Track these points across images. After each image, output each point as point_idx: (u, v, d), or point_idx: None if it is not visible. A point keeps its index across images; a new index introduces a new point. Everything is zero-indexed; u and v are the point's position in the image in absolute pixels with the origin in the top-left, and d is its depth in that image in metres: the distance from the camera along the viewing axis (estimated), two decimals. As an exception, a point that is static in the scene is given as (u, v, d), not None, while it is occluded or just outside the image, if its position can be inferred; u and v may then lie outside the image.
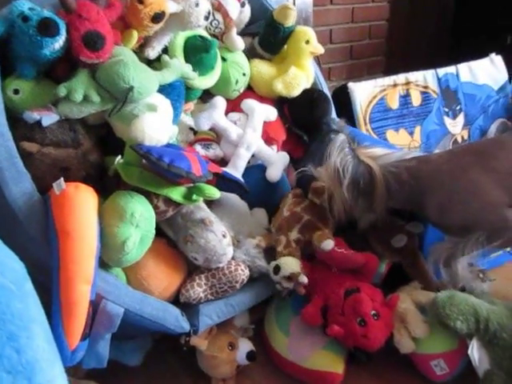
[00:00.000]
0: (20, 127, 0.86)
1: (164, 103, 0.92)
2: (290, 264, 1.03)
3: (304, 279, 1.01)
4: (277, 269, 1.03)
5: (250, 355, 1.04)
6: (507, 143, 0.97)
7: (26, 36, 0.80)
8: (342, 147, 0.98)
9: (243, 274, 0.98)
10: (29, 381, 0.41)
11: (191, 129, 1.24)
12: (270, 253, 1.10)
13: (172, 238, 0.99)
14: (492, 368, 0.91)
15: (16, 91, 0.86)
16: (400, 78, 1.55)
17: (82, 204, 0.77)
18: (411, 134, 1.54)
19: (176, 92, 1.04)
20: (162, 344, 1.12)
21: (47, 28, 0.79)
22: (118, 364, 1.03)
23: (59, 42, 0.82)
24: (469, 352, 0.92)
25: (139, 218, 0.82)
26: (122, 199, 0.83)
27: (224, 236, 0.97)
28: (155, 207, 0.89)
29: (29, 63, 0.85)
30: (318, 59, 2.18)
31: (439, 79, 1.62)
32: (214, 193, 0.92)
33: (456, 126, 1.65)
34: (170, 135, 0.91)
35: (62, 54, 0.85)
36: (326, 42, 2.26)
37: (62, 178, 0.79)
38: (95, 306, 0.81)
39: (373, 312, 0.97)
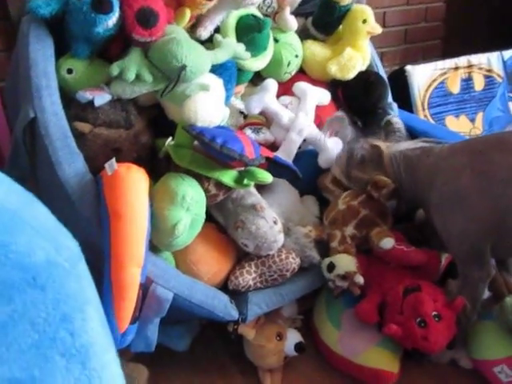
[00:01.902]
0: (73, 107, 0.85)
1: (216, 83, 0.89)
2: (346, 262, 0.98)
3: (360, 279, 0.95)
4: (331, 266, 0.97)
5: (299, 346, 1.00)
6: (508, 143, 0.89)
7: (80, 13, 0.79)
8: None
9: (294, 262, 0.95)
10: (83, 365, 0.40)
11: (241, 112, 1.21)
12: (321, 245, 1.05)
13: (222, 223, 0.97)
14: None
15: (70, 71, 0.86)
16: (462, 60, 1.46)
17: (133, 185, 0.76)
18: (472, 120, 1.45)
19: (228, 73, 1.01)
20: (210, 330, 1.10)
21: (101, 5, 0.78)
22: (165, 349, 1.02)
23: (112, 19, 0.80)
24: None
25: (190, 201, 0.80)
26: (173, 181, 0.81)
27: (275, 223, 0.94)
28: (206, 191, 0.87)
29: (83, 42, 0.84)
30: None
31: (505, 62, 1.51)
32: (267, 177, 0.89)
33: (522, 114, 1.53)
34: (222, 117, 0.88)
35: (115, 32, 0.84)
36: (379, 25, 2.16)
37: (113, 159, 0.78)
38: (145, 289, 0.79)
39: (434, 313, 0.90)
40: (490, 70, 1.48)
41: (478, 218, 0.88)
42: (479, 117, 1.46)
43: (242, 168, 0.90)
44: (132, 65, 0.82)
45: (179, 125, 0.85)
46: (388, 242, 0.97)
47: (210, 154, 0.82)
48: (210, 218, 0.97)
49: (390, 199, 1.05)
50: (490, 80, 1.48)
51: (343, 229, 1.03)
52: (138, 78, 0.83)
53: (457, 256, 0.96)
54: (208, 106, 0.82)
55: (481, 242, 0.90)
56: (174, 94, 0.86)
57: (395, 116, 1.06)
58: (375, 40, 2.15)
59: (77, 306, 0.39)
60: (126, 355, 1.02)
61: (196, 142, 0.86)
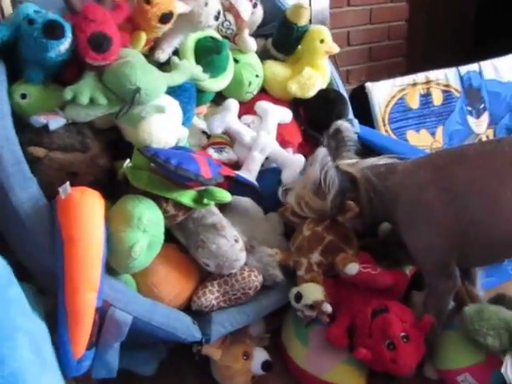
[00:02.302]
0: (27, 132, 0.85)
1: (172, 105, 0.90)
2: (313, 291, 0.97)
3: (328, 308, 0.95)
4: (298, 296, 0.97)
5: (266, 365, 1.00)
6: (467, 156, 0.91)
7: (31, 39, 0.79)
8: (324, 162, 0.97)
9: (257, 280, 0.95)
10: (12, 393, 0.38)
11: (204, 133, 1.22)
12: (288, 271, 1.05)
13: (184, 243, 0.96)
14: None
15: (23, 96, 0.85)
16: (420, 76, 1.50)
17: (87, 209, 0.75)
18: (433, 134, 1.49)
19: (187, 94, 1.02)
20: (177, 354, 1.08)
21: (52, 30, 0.78)
22: (131, 374, 1.00)
23: (65, 45, 0.80)
24: (502, 370, 0.84)
25: (147, 223, 0.79)
26: (130, 203, 0.81)
27: (236, 241, 0.94)
28: (165, 211, 0.87)
29: (36, 67, 0.84)
30: (335, 62, 2.14)
31: (461, 77, 1.56)
32: (226, 196, 0.89)
33: (480, 126, 1.58)
34: (178, 137, 0.89)
35: (68, 57, 0.84)
36: (343, 44, 2.21)
37: (67, 183, 0.77)
38: (102, 313, 0.78)
39: (403, 334, 0.90)
40: (447, 85, 1.53)
41: (442, 231, 0.90)
42: (439, 130, 1.50)
43: (202, 188, 0.90)
44: (86, 88, 0.82)
45: (135, 147, 0.85)
46: (352, 268, 0.97)
47: (166, 175, 0.82)
48: (171, 238, 0.97)
49: (354, 222, 1.05)
50: (448, 95, 1.53)
51: (309, 256, 1.03)
52: (93, 101, 0.83)
53: (423, 268, 0.98)
54: (163, 127, 0.82)
55: (446, 254, 0.92)
56: (130, 116, 0.87)
57: (344, 123, 1.08)
58: (341, 58, 2.21)
59: (3, 334, 0.39)
60: (91, 382, 1.00)
61: (152, 164, 0.86)
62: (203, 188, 0.90)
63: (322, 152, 0.98)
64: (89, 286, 0.73)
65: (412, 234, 0.95)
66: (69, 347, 0.71)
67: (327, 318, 0.96)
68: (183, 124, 1.02)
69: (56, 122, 0.84)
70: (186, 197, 0.87)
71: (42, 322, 0.64)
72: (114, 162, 0.95)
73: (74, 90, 0.82)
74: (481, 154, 0.90)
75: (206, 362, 1.01)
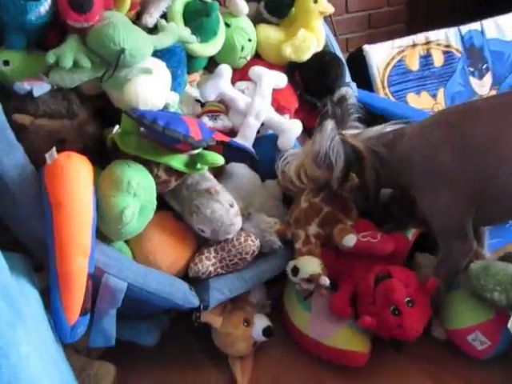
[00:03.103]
0: (12, 99, 0.83)
1: (159, 67, 0.87)
2: (310, 265, 0.95)
3: (325, 281, 0.93)
4: (295, 270, 0.95)
5: (267, 331, 0.98)
6: (481, 113, 0.87)
7: (10, 2, 0.77)
8: (332, 135, 0.94)
9: (253, 245, 0.93)
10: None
11: (198, 101, 1.19)
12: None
13: (178, 210, 0.95)
14: None
15: (6, 62, 0.83)
16: (419, 37, 1.46)
17: (74, 173, 0.74)
18: (434, 96, 1.45)
19: (176, 58, 0.99)
20: (179, 324, 1.08)
21: (30, -9, 0.75)
22: (134, 345, 1.00)
23: (44, 6, 0.78)
24: (508, 325, 0.83)
25: (137, 187, 0.78)
26: (119, 168, 0.79)
27: (231, 206, 0.92)
28: (156, 177, 0.85)
29: (17, 32, 0.82)
30: (334, 30, 2.09)
31: (462, 37, 1.51)
32: (218, 159, 0.87)
33: (483, 87, 1.54)
34: (167, 100, 0.86)
35: (49, 20, 0.82)
36: (341, 11, 2.15)
37: (54, 148, 0.76)
38: (96, 280, 0.77)
39: (407, 299, 0.88)
40: (448, 46, 1.48)
41: (460, 192, 0.87)
42: (440, 92, 1.46)
43: (193, 152, 0.88)
44: (68, 52, 0.80)
45: (123, 111, 0.83)
46: (350, 240, 0.95)
47: (154, 137, 0.80)
48: (166, 206, 0.96)
49: (355, 193, 1.03)
50: (448, 55, 1.48)
51: (307, 228, 1.01)
52: (76, 64, 0.80)
53: (440, 231, 0.94)
54: (149, 88, 0.80)
55: (463, 215, 0.89)
56: (116, 79, 0.84)
57: (349, 90, 1.04)
58: (340, 27, 2.15)
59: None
60: (94, 353, 1.00)
61: (141, 128, 0.84)
62: (195, 152, 0.88)
63: (329, 124, 0.96)
64: (79, 250, 0.71)
65: (429, 196, 0.91)
66: (61, 313, 0.70)
67: (325, 291, 0.94)
68: (174, 89, 0.99)
69: (40, 88, 0.81)
70: (177, 161, 0.85)
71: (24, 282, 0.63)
72: (103, 129, 0.93)
73: (56, 54, 0.80)
74: (494, 109, 0.87)
75: (207, 329, 1.01)
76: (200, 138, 0.82)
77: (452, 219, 0.90)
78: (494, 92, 1.56)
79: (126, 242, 0.89)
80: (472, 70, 1.52)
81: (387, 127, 0.99)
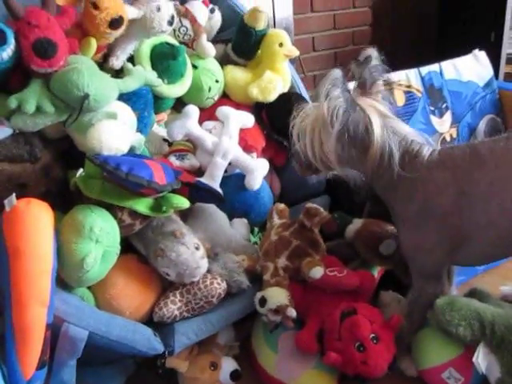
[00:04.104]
0: (-29, 143, 0.81)
1: (124, 110, 0.87)
2: (277, 296, 0.95)
3: (292, 313, 0.93)
4: (263, 301, 0.95)
5: (234, 375, 0.97)
6: (482, 156, 0.83)
7: (-29, 47, 0.76)
8: (334, 83, 0.77)
9: (219, 287, 0.92)
10: None
11: (166, 140, 1.20)
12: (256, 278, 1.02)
13: (143, 253, 0.93)
14: (503, 376, 0.84)
15: (-34, 106, 0.82)
16: (382, 78, 1.51)
17: (34, 220, 0.72)
18: (398, 134, 1.49)
19: (142, 100, 1.00)
20: (145, 368, 1.05)
21: (-7, 37, 0.75)
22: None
23: (7, 52, 0.77)
24: (473, 360, 0.84)
25: (99, 233, 0.76)
26: (81, 213, 0.78)
27: (197, 248, 0.91)
28: (120, 221, 0.84)
29: (-21, 76, 0.81)
30: (301, 67, 2.16)
31: (422, 78, 1.57)
32: (184, 202, 0.87)
33: (443, 125, 1.60)
34: (132, 144, 0.86)
35: (13, 65, 0.81)
36: (309, 49, 2.24)
37: (13, 194, 0.74)
38: (55, 329, 0.75)
39: (372, 335, 0.88)
40: (409, 86, 1.54)
41: (451, 234, 0.86)
42: (403, 131, 1.51)
43: (157, 195, 0.88)
44: (31, 96, 0.79)
45: (86, 155, 0.82)
46: (317, 272, 0.96)
47: (118, 182, 0.80)
48: (130, 248, 0.94)
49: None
50: (410, 95, 1.54)
51: (276, 260, 1.01)
52: (40, 109, 0.80)
53: (418, 271, 0.93)
54: (114, 133, 0.80)
55: (445, 258, 0.89)
56: (80, 123, 0.84)
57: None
58: (307, 64, 2.22)
59: None
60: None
61: (103, 172, 0.83)
62: (160, 195, 0.88)
63: (335, 72, 0.78)
64: (37, 300, 0.69)
65: (416, 233, 0.88)
66: (17, 367, 0.67)
67: (291, 322, 0.94)
68: (140, 131, 0.99)
69: (1, 132, 0.80)
70: (142, 205, 0.85)
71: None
72: (67, 172, 0.92)
73: (18, 99, 0.79)
74: (495, 153, 0.83)
75: (173, 372, 0.98)
76: (164, 182, 0.82)
77: (434, 260, 0.90)
78: (453, 129, 1.62)
79: (89, 287, 0.87)
80: (432, 108, 1.58)
81: (416, 134, 0.87)
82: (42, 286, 0.70)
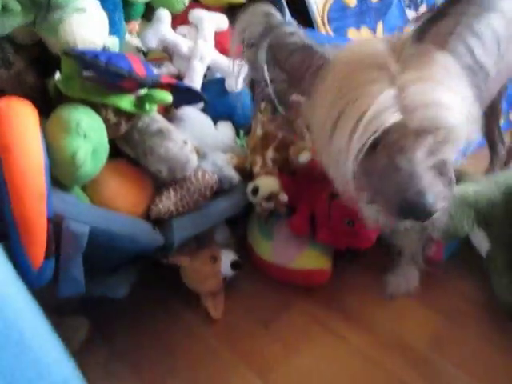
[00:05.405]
0: None
1: (93, 5, 0.84)
2: (269, 183, 0.99)
3: (284, 197, 0.97)
4: (255, 190, 0.98)
5: (235, 264, 1.02)
6: None
7: None
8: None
9: (211, 180, 0.94)
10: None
11: (140, 50, 1.17)
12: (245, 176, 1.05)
13: (132, 155, 0.94)
14: (492, 247, 0.90)
15: None
16: (354, -27, 1.47)
17: (17, 116, 0.71)
18: (374, 30, 1.48)
19: (111, 1, 0.96)
20: (148, 274, 1.09)
21: None
22: (106, 299, 1.00)
23: None
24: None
25: (87, 128, 0.77)
26: (65, 111, 0.77)
27: (185, 143, 0.92)
28: (106, 120, 0.84)
29: None
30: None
31: (396, -30, 1.54)
32: (166, 97, 0.87)
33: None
34: (106, 42, 0.84)
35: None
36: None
37: (-8, 96, 0.73)
38: (57, 227, 0.76)
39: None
40: (382, -20, 1.51)
41: None
42: (380, 26, 1.50)
43: (140, 93, 0.87)
44: (-5, -5, 0.76)
45: (62, 54, 0.80)
46: (305, 156, 0.99)
47: (98, 76, 0.79)
48: (121, 155, 0.95)
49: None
50: (384, -11, 1.51)
51: (264, 153, 1.04)
52: (5, 9, 0.77)
53: None
54: (85, 25, 0.78)
55: None
56: (50, 23, 0.81)
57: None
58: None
59: None
60: (66, 309, 1.00)
61: (86, 73, 0.82)
62: (142, 92, 0.88)
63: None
64: (34, 193, 0.70)
65: None
66: (25, 257, 0.69)
67: (284, 207, 0.98)
68: (113, 35, 0.97)
69: (-30, 38, 0.78)
70: (126, 102, 0.85)
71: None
72: (43, 79, 0.91)
73: (-18, -2, 0.76)
74: None
75: (179, 276, 1.03)
76: (144, 74, 0.81)
77: None
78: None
79: (84, 191, 0.88)
80: (408, 2, 1.56)
81: None
82: (37, 181, 0.71)
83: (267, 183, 0.97)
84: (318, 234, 0.96)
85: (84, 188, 0.87)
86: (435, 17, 0.59)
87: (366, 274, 1.02)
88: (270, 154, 1.03)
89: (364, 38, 0.77)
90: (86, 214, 0.81)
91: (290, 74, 0.67)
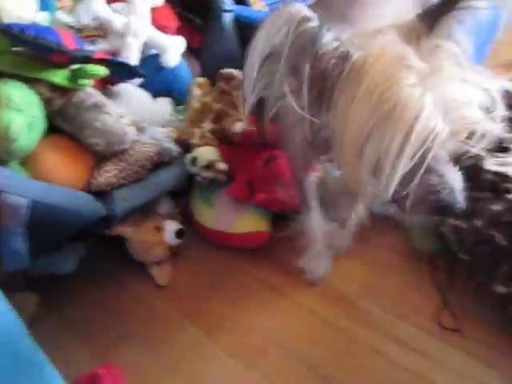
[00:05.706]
0: None
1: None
2: (207, 153, 1.03)
3: (222, 166, 1.01)
4: (193, 159, 1.02)
5: (179, 233, 1.05)
6: None
7: None
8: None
9: (151, 150, 0.97)
10: None
11: (72, 27, 1.17)
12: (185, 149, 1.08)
13: (69, 130, 0.95)
14: None
15: None
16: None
17: None
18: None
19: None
20: (96, 249, 1.11)
21: None
22: (54, 276, 1.01)
23: None
24: None
25: (19, 101, 0.78)
26: (-5, 86, 0.78)
27: (121, 117, 0.95)
28: (39, 94, 0.85)
29: None
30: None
31: None
32: (99, 70, 0.89)
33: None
34: (35, 18, 0.85)
35: None
36: None
37: None
38: (-5, 201, 0.77)
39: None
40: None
41: None
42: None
43: (73, 67, 0.88)
44: None
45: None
46: (239, 127, 1.03)
47: (27, 51, 0.79)
48: (58, 131, 0.96)
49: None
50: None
51: (201, 125, 1.08)
52: None
53: None
54: (13, 1, 0.78)
55: None
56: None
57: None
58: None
59: None
60: (14, 284, 1.01)
61: (16, 48, 0.83)
62: (75, 67, 0.89)
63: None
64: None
65: None
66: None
67: (224, 175, 1.02)
68: (43, 8, 0.97)
69: None
70: (59, 76, 0.86)
71: None
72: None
73: None
74: None
75: (126, 250, 1.05)
76: (75, 47, 0.82)
77: None
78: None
79: (24, 168, 0.88)
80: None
81: None
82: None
83: (205, 153, 1.01)
84: (254, 198, 1.01)
85: (24, 164, 0.88)
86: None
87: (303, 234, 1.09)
88: (208, 125, 1.07)
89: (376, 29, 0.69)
90: (25, 187, 0.82)
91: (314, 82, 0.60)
